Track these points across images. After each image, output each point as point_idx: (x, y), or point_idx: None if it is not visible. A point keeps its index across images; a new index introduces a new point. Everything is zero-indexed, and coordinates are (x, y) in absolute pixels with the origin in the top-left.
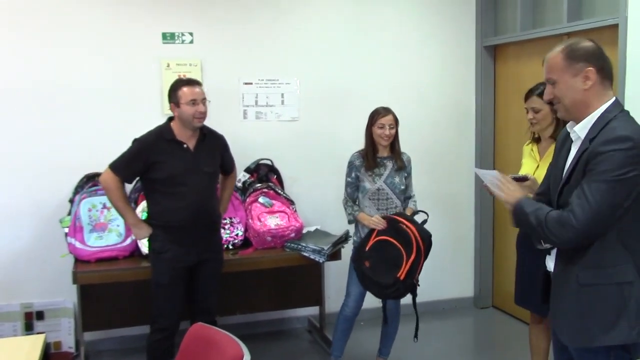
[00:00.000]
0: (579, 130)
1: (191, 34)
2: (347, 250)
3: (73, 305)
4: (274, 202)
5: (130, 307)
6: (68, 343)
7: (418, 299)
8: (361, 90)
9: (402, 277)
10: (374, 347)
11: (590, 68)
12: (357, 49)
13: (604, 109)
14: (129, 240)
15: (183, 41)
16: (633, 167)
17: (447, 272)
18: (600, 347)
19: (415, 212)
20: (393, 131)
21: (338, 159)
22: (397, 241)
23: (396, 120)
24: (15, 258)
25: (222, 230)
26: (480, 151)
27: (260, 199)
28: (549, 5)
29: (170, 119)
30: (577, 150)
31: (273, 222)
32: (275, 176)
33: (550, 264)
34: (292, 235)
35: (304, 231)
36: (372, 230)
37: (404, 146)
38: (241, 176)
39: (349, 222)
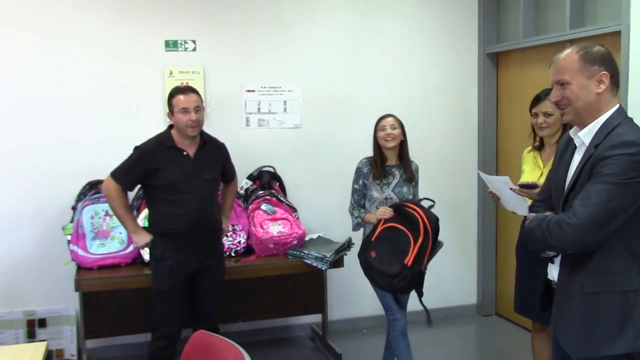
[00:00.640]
0: (584, 136)
1: (194, 41)
2: (350, 258)
3: (75, 313)
4: (276, 209)
5: (133, 314)
6: (70, 351)
7: None
8: (363, 97)
9: (409, 264)
10: (378, 355)
11: (605, 72)
12: (360, 57)
13: (609, 115)
14: (131, 248)
15: (186, 49)
16: (638, 173)
17: (450, 279)
18: (604, 357)
19: (421, 199)
20: (395, 131)
21: (340, 166)
22: (403, 226)
23: (400, 124)
24: (18, 265)
25: (225, 238)
26: (483, 158)
27: (263, 206)
28: (552, 13)
29: (171, 126)
30: (582, 157)
31: (275, 229)
32: (277, 183)
33: (554, 272)
34: (295, 242)
35: (307, 238)
36: (379, 223)
37: None
38: (243, 183)
39: (355, 228)
